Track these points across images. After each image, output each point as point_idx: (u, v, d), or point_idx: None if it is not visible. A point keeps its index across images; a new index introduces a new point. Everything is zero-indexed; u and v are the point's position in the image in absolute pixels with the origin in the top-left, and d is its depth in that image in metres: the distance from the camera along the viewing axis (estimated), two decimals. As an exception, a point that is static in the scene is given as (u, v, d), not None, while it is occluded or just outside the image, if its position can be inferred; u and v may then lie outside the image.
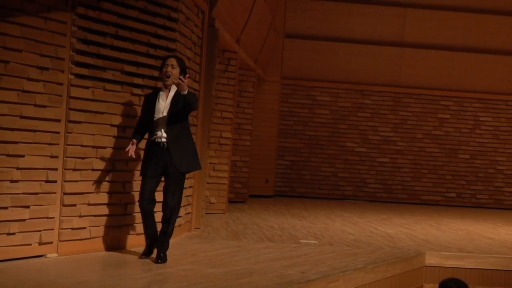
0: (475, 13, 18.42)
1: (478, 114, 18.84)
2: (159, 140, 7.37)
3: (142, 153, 7.70)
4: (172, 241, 8.86)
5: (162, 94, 7.48)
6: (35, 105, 6.88)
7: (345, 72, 18.40)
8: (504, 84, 18.71)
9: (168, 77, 7.40)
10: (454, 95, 18.74)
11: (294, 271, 7.13)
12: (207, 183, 11.56)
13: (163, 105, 7.42)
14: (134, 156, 7.50)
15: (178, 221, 9.20)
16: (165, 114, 7.38)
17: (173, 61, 7.46)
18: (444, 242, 10.49)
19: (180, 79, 7.14)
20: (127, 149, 7.42)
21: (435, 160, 18.74)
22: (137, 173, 8.08)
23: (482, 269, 9.26)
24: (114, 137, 7.81)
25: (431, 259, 9.21)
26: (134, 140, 7.47)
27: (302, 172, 18.34)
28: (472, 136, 18.83)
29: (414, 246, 9.85)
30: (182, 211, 9.35)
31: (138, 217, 8.12)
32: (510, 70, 18.66)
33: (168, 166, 7.36)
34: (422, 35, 18.47)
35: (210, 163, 11.97)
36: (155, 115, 7.39)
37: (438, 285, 5.96)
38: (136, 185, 8.07)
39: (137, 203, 8.04)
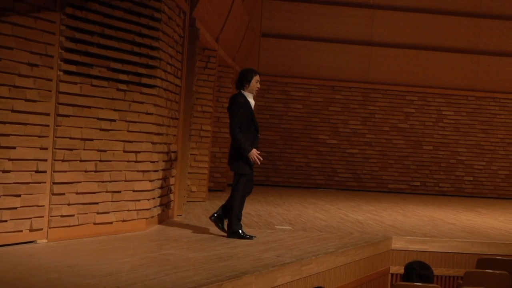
0: (438, 15, 18.51)
1: (441, 108, 18.95)
2: (257, 143, 8.32)
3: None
4: (155, 227, 8.87)
5: (251, 102, 8.22)
6: (26, 100, 6.83)
7: (317, 69, 18.42)
8: (465, 80, 18.84)
9: (257, 90, 8.32)
10: (418, 91, 18.83)
11: (270, 255, 7.14)
12: (188, 173, 11.53)
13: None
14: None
15: (161, 208, 9.20)
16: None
17: (259, 78, 8.33)
18: (409, 227, 10.54)
19: None
20: (258, 158, 8.05)
21: (401, 151, 18.83)
22: (122, 164, 8.07)
23: (444, 252, 9.32)
24: (100, 129, 7.77)
25: (397, 243, 9.26)
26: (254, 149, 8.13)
27: (277, 162, 18.35)
28: (435, 129, 18.93)
29: (382, 231, 9.89)
30: (164, 199, 9.34)
31: (123, 204, 8.11)
32: (471, 68, 18.79)
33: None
34: (389, 34, 18.53)
35: (191, 154, 11.94)
36: (255, 121, 8.22)
37: (403, 267, 5.99)
38: (122, 175, 8.06)
39: (123, 191, 8.07)
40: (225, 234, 8.28)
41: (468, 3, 18.64)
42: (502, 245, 9.49)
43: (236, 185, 8.19)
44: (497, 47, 18.77)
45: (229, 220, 8.24)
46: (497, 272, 6.95)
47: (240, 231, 8.20)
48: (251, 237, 8.18)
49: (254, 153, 8.06)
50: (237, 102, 8.12)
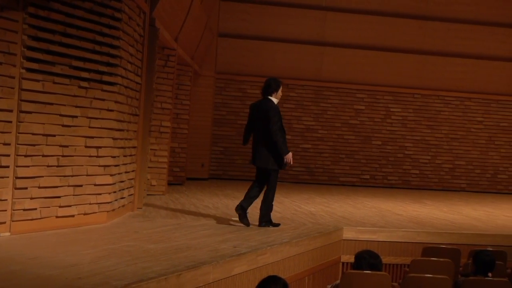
0: (386, 17, 18.68)
1: (389, 106, 19.15)
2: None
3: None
4: (116, 220, 8.80)
5: None
6: (-11, 97, 6.71)
7: (272, 68, 18.43)
8: (412, 79, 19.06)
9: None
10: (368, 89, 18.99)
11: (227, 245, 7.13)
12: (149, 167, 11.47)
13: None
14: None
15: (122, 201, 9.12)
16: None
17: None
18: (359, 218, 10.63)
19: None
20: (291, 159, 8.65)
21: (352, 146, 18.99)
22: (84, 159, 7.99)
23: (392, 241, 9.42)
24: (62, 126, 7.67)
25: (348, 234, 9.33)
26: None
27: (234, 157, 18.35)
28: (384, 125, 19.13)
29: (333, 222, 9.95)
30: (125, 193, 9.26)
31: (85, 198, 8.02)
32: (416, 67, 19.01)
33: None
34: (340, 35, 18.64)
35: (151, 149, 11.87)
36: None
37: (354, 256, 6.04)
38: (83, 169, 7.97)
39: (84, 185, 7.99)
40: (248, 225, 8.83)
41: (414, 6, 18.85)
42: (446, 234, 9.64)
43: (272, 180, 8.79)
44: (441, 48, 19.04)
45: (262, 210, 8.83)
46: (441, 260, 7.05)
47: (272, 220, 8.90)
48: (278, 225, 8.90)
49: (290, 155, 8.64)
50: (276, 107, 8.61)
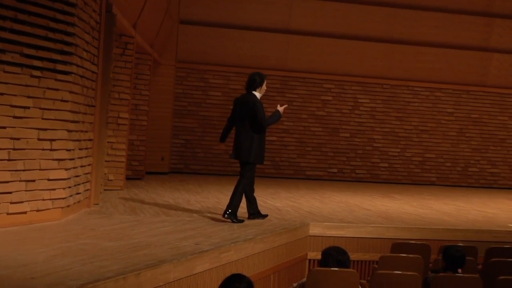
0: (354, 4, 18.78)
1: (357, 96, 19.27)
2: None
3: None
4: (71, 216, 8.72)
5: None
6: None
7: (236, 57, 18.43)
8: (380, 69, 19.20)
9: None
10: (335, 79, 19.08)
11: (189, 243, 7.12)
12: (106, 161, 11.37)
13: None
14: None
15: (78, 197, 9.04)
16: None
17: None
18: (327, 214, 10.68)
19: None
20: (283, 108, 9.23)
21: (319, 139, 19.07)
22: (37, 152, 7.89)
23: (360, 237, 9.50)
24: (13, 117, 7.56)
25: (315, 229, 9.38)
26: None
27: (196, 150, 18.31)
28: (352, 116, 19.25)
29: (299, 217, 9.99)
30: (81, 188, 9.17)
31: (38, 194, 7.93)
32: (385, 56, 19.16)
33: None
34: (306, 23, 18.69)
35: (108, 142, 11.78)
36: None
37: (321, 253, 6.06)
38: (36, 163, 7.87)
39: (37, 180, 7.90)
40: (262, 219, 9.28)
41: (383, -7, 19.00)
42: (415, 229, 9.74)
43: (248, 174, 9.00)
44: (410, 37, 19.20)
45: (230, 202, 8.89)
46: (411, 256, 7.13)
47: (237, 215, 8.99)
48: (242, 221, 8.93)
49: (279, 108, 9.19)
50: (259, 102, 8.98)
